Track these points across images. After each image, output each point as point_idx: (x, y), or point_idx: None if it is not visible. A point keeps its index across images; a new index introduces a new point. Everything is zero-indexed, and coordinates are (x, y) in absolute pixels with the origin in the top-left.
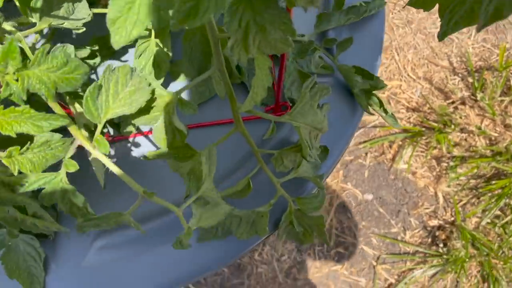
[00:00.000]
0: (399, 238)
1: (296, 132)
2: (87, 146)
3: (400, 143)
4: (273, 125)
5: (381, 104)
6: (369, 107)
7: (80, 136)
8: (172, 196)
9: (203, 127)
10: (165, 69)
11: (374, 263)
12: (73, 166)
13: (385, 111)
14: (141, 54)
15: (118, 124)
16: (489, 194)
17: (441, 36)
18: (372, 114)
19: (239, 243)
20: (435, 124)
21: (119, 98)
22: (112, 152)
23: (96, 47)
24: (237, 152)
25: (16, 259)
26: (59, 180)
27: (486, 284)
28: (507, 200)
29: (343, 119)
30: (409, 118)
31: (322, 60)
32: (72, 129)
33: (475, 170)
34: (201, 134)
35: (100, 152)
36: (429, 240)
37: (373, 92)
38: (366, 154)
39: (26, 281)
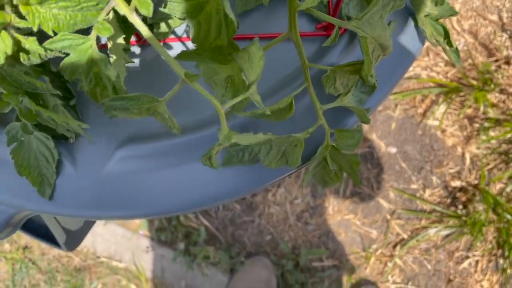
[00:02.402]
0: (417, 195)
1: (345, 58)
2: (125, 9)
3: (434, 98)
4: (337, 30)
5: (446, 35)
6: (432, 37)
7: None
8: (202, 115)
9: (245, 40)
10: None
11: (388, 217)
12: (107, 30)
13: (450, 44)
14: None
15: (151, 25)
16: None
17: None
18: (436, 45)
19: (266, 172)
20: (474, 82)
21: None
22: (138, 61)
23: None
24: (282, 71)
25: (27, 156)
26: (87, 47)
27: (500, 251)
28: None
29: (401, 47)
30: (446, 73)
31: None
32: None
33: (509, 135)
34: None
35: (139, 19)
36: (448, 200)
37: (440, 20)
38: (396, 105)
39: (36, 180)
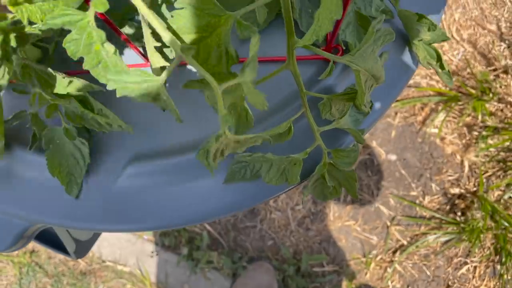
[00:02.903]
0: (417, 201)
1: (342, 82)
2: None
3: (433, 106)
4: (332, 65)
5: (438, 58)
6: (425, 60)
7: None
8: (207, 133)
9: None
10: None
11: (388, 223)
12: (103, 5)
13: (442, 67)
14: None
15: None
16: None
17: None
18: (428, 68)
19: (267, 187)
20: (473, 91)
21: None
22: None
23: None
24: (279, 94)
25: (59, 158)
26: (86, 23)
27: (498, 257)
28: None
29: (395, 71)
30: None
31: (383, 3)
32: None
33: (507, 143)
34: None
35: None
36: (447, 207)
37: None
38: (396, 113)
39: (64, 179)
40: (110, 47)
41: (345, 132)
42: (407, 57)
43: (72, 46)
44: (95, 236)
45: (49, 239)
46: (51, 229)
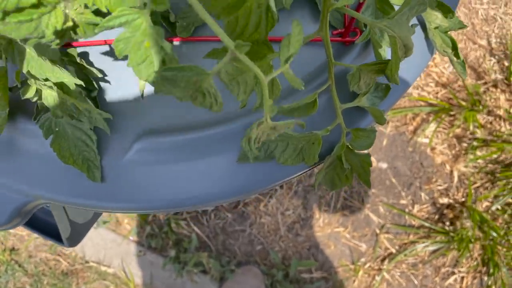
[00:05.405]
0: (406, 210)
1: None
2: None
3: (424, 116)
4: (369, 30)
5: (454, 47)
6: (441, 48)
7: None
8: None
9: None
10: None
11: (378, 231)
12: (162, 3)
13: (457, 55)
14: None
15: (173, 24)
16: (504, 181)
17: None
18: (444, 55)
19: (281, 169)
20: (464, 103)
21: None
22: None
23: None
24: (300, 71)
25: (67, 145)
26: (141, 22)
27: (485, 268)
28: None
29: (413, 54)
30: (437, 93)
31: None
32: None
33: (495, 155)
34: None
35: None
36: (436, 217)
37: (449, 32)
38: (388, 122)
39: (82, 166)
40: (167, 44)
41: (362, 114)
42: (424, 43)
43: (121, 44)
44: (92, 220)
45: (39, 225)
46: (42, 214)
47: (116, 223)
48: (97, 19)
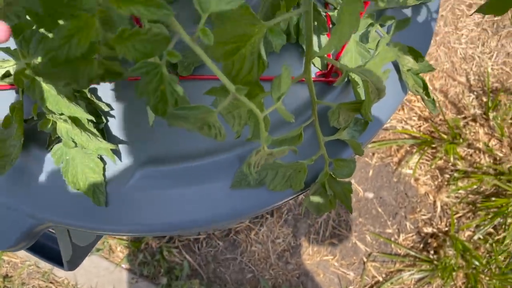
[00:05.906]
0: (392, 239)
1: (344, 99)
2: (188, 39)
3: (408, 148)
4: (346, 73)
5: (425, 87)
6: (413, 88)
7: (180, 29)
8: (215, 142)
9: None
10: None
11: (365, 259)
12: (176, 57)
13: (427, 95)
14: None
15: (175, 64)
16: (485, 211)
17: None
18: (416, 95)
19: (271, 194)
20: (445, 136)
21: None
22: None
23: None
24: (292, 104)
25: (75, 172)
26: (159, 71)
27: None
28: (502, 219)
29: (388, 94)
30: (419, 126)
31: (378, 36)
32: (173, 22)
33: (475, 186)
34: None
35: (200, 49)
36: (421, 245)
37: (419, 74)
38: (373, 154)
39: (88, 191)
40: (179, 88)
41: (343, 147)
42: (398, 83)
43: (142, 88)
44: (93, 243)
45: (38, 248)
46: (44, 239)
47: (109, 250)
48: (122, 69)
